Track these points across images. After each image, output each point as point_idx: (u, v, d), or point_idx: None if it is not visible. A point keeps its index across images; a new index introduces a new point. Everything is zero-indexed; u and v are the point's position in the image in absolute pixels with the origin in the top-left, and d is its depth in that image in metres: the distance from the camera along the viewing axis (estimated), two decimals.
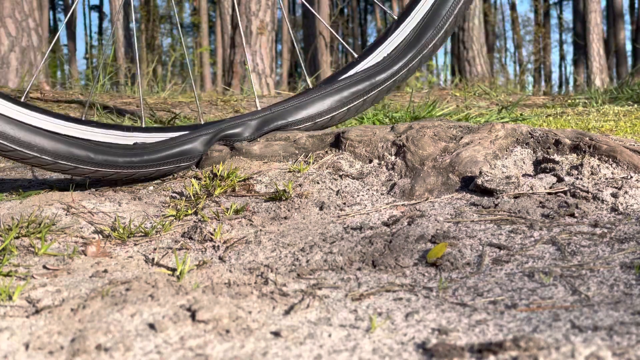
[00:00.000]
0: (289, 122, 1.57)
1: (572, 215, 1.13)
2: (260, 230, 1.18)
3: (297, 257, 1.05)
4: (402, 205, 1.26)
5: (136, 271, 1.01)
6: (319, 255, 1.05)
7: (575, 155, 1.35)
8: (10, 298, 0.88)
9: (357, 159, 1.45)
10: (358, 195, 1.32)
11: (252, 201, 1.32)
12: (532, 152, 1.39)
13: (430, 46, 1.60)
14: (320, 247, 1.08)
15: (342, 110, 1.59)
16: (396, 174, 1.37)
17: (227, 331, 0.77)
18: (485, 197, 1.23)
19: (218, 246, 1.12)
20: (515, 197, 1.22)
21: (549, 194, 1.22)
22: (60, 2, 25.27)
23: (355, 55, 1.63)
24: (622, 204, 1.15)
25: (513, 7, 25.56)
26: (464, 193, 1.27)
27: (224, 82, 7.45)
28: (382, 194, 1.32)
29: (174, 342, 0.75)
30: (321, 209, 1.27)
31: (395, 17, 1.64)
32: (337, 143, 1.50)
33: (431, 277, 0.95)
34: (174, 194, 1.38)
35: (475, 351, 0.69)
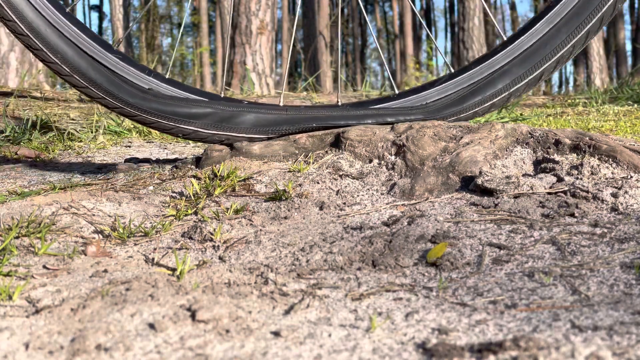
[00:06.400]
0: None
1: (572, 215, 1.13)
2: (260, 230, 1.18)
3: (297, 257, 1.05)
4: (402, 205, 1.26)
5: (136, 271, 1.01)
6: (319, 255, 1.05)
7: (575, 155, 1.35)
8: (10, 298, 0.88)
9: (357, 159, 1.45)
10: (358, 195, 1.32)
11: (252, 201, 1.32)
12: (532, 152, 1.39)
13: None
14: (320, 247, 1.08)
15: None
16: (396, 174, 1.37)
17: (227, 331, 0.77)
18: (485, 197, 1.23)
19: (218, 246, 1.12)
20: (515, 197, 1.22)
21: (549, 193, 1.22)
22: (60, 2, 25.25)
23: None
24: (622, 203, 1.15)
25: (513, 7, 25.58)
26: (464, 193, 1.27)
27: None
28: (382, 194, 1.32)
29: (174, 342, 0.75)
30: (321, 208, 1.27)
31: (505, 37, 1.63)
32: (337, 143, 1.50)
33: (431, 277, 0.95)
34: (173, 194, 1.38)
35: (475, 351, 0.69)
